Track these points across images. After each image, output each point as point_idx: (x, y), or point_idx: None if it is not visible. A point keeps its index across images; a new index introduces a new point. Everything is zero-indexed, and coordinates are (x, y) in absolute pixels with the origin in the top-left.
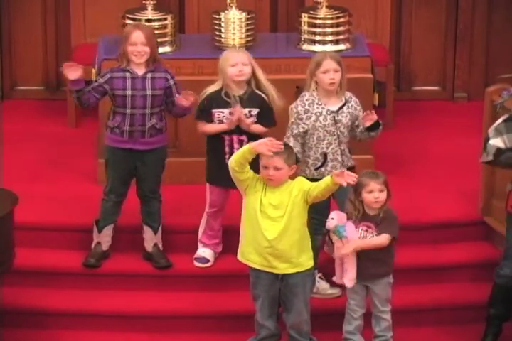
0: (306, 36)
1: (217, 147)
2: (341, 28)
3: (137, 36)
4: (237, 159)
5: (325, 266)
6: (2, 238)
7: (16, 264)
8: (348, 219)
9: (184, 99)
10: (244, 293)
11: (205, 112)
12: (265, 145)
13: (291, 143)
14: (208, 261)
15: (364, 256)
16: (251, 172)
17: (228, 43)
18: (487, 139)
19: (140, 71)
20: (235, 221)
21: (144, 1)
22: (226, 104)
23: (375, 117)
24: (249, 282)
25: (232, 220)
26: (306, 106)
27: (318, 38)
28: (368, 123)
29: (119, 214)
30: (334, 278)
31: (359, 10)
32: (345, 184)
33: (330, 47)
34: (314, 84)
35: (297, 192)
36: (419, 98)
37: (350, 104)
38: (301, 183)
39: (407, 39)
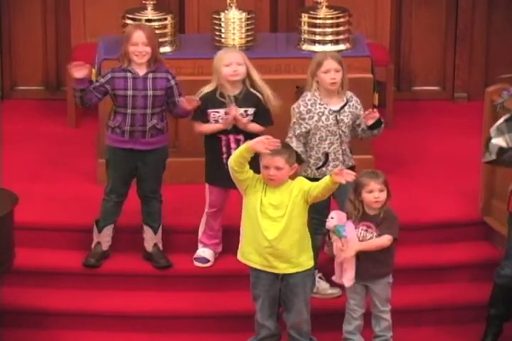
0: (306, 36)
1: (214, 147)
2: (341, 28)
3: (138, 36)
4: (235, 159)
5: (325, 266)
6: (2, 238)
7: (16, 264)
8: (347, 218)
9: (187, 104)
10: (244, 293)
11: (200, 112)
12: (262, 143)
13: (294, 144)
14: (208, 261)
15: (364, 257)
16: (251, 172)
17: (228, 43)
18: (489, 139)
19: (141, 71)
20: (235, 221)
21: (144, 1)
22: (221, 104)
23: (377, 115)
24: (249, 282)
25: (232, 220)
26: (309, 106)
27: (318, 38)
28: (371, 122)
29: (120, 214)
30: (334, 278)
31: (359, 10)
32: (344, 182)
33: (330, 47)
34: (315, 84)
35: (297, 192)
36: (419, 98)
37: (351, 104)
38: (302, 183)
39: (407, 39)
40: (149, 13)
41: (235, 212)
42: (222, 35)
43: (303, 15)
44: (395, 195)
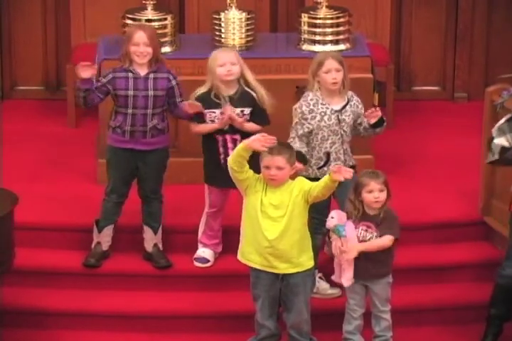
0: (306, 36)
1: (211, 147)
2: (341, 28)
3: (140, 36)
4: (234, 158)
5: (325, 266)
6: (2, 238)
7: (16, 264)
8: (348, 218)
9: (190, 108)
10: (244, 293)
11: (197, 113)
12: (259, 141)
13: (297, 144)
14: (208, 261)
15: (364, 257)
16: (250, 172)
17: (228, 43)
18: (491, 139)
19: (142, 71)
20: (235, 221)
21: (144, 1)
22: (217, 105)
23: (379, 114)
24: (249, 282)
25: (232, 220)
26: (311, 106)
27: (318, 38)
28: (373, 120)
29: (120, 215)
30: (333, 277)
31: (359, 10)
32: (342, 179)
33: (330, 48)
34: (317, 84)
35: (298, 192)
36: (419, 98)
37: (352, 103)
38: (302, 183)
39: (407, 39)
40: (149, 13)
41: (234, 212)
42: (222, 35)
43: (303, 15)
44: (395, 195)
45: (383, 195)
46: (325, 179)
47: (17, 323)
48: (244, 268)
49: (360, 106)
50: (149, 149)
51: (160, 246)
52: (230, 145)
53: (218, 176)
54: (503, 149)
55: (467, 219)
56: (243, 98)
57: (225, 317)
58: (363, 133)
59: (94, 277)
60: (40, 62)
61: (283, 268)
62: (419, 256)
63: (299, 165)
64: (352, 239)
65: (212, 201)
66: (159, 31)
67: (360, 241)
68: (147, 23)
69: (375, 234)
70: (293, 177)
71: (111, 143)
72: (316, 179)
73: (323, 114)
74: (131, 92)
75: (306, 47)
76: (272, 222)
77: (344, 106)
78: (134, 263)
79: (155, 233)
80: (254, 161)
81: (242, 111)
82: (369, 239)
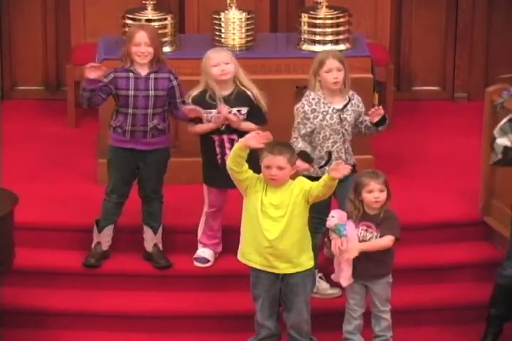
0: (306, 36)
1: (208, 148)
2: (341, 28)
3: (141, 37)
4: (232, 158)
5: (325, 266)
6: (2, 238)
7: (16, 264)
8: (348, 218)
9: (190, 113)
10: (244, 293)
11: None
12: (254, 138)
13: (300, 144)
14: (208, 261)
15: (364, 257)
16: (250, 172)
17: (228, 43)
18: (493, 140)
19: (143, 71)
20: (235, 221)
21: (144, 1)
22: (212, 106)
23: (382, 112)
24: (249, 282)
25: (231, 220)
26: (313, 106)
27: (318, 38)
28: (376, 119)
29: (120, 215)
30: (332, 276)
31: (359, 10)
32: (341, 176)
33: (330, 48)
34: (318, 83)
35: (298, 192)
36: (419, 98)
37: (353, 102)
38: (302, 183)
39: (407, 39)
40: (149, 13)
41: (234, 212)
42: (222, 35)
43: (303, 15)
44: (395, 195)
45: (383, 195)
46: (324, 178)
47: (17, 323)
48: (244, 268)
49: (360, 104)
50: (150, 149)
51: (160, 246)
52: (227, 145)
53: (217, 176)
54: (506, 149)
55: (467, 219)
56: (239, 97)
57: (225, 317)
58: (365, 131)
59: (94, 277)
60: (40, 62)
61: (283, 268)
62: (419, 256)
63: (304, 165)
64: (353, 238)
65: (212, 201)
66: (159, 31)
67: (361, 241)
68: (147, 23)
69: (375, 233)
70: (293, 177)
71: (112, 142)
72: (317, 178)
73: (325, 113)
74: (131, 92)
75: (306, 47)
76: (273, 222)
77: (345, 105)
78: (134, 263)
79: (155, 233)
80: (255, 162)
81: (239, 111)
82: (369, 239)
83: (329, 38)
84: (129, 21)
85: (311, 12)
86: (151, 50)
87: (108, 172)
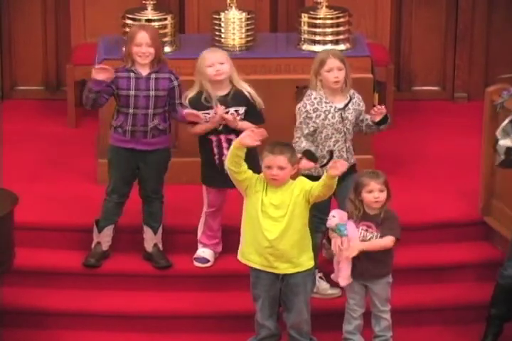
0: (306, 36)
1: (206, 148)
2: (341, 28)
3: (142, 37)
4: (230, 159)
5: (325, 265)
6: (2, 238)
7: (16, 264)
8: (348, 218)
9: (189, 117)
10: (244, 293)
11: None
12: (249, 136)
13: (304, 143)
14: (208, 261)
15: (364, 257)
16: (249, 172)
17: (228, 43)
18: (496, 141)
19: (144, 71)
20: (235, 221)
21: (144, 1)
22: (208, 108)
23: (384, 111)
24: (249, 282)
25: (231, 220)
26: (315, 105)
27: (318, 38)
28: (378, 118)
29: (121, 215)
30: (332, 276)
31: (359, 10)
32: (339, 173)
33: (330, 48)
34: (319, 82)
35: (299, 192)
36: (419, 98)
37: (354, 101)
38: (303, 183)
39: (407, 39)
40: (149, 13)
41: (234, 212)
42: (222, 35)
43: (303, 15)
44: (395, 195)
45: (383, 195)
46: (323, 177)
47: (17, 323)
48: (244, 268)
49: (361, 103)
50: (150, 149)
51: (160, 246)
52: (224, 145)
53: (215, 176)
54: (508, 150)
55: (467, 219)
56: (236, 97)
57: (225, 317)
58: (366, 130)
59: (94, 277)
60: (40, 62)
61: (283, 268)
62: (419, 256)
63: (309, 164)
64: (354, 238)
65: (211, 201)
66: (159, 31)
67: (361, 241)
68: (148, 24)
69: (375, 234)
70: (294, 176)
71: (112, 142)
72: (318, 177)
73: (327, 112)
74: (132, 92)
75: (306, 47)
76: (273, 222)
77: (347, 104)
78: (134, 263)
79: (155, 233)
80: (252, 160)
81: (236, 111)
82: (369, 239)
83: (329, 38)
84: (129, 21)
85: (311, 12)
86: (152, 50)
87: (108, 172)
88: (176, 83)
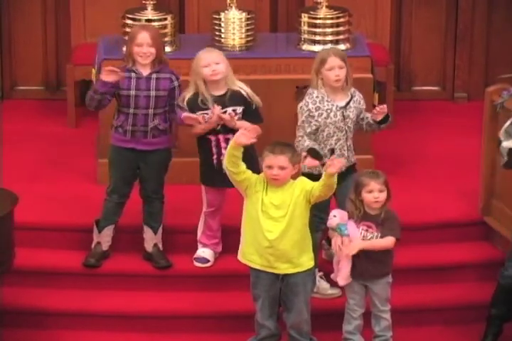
0: (306, 36)
1: (205, 148)
2: (341, 28)
3: (143, 37)
4: (227, 159)
5: (326, 265)
6: (2, 238)
7: (16, 264)
8: (349, 218)
9: (187, 120)
10: (244, 293)
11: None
12: (243, 135)
13: (307, 142)
14: (208, 261)
15: (364, 257)
16: (248, 172)
17: (228, 43)
18: (499, 143)
19: (145, 71)
20: (235, 221)
21: (144, 1)
22: (205, 109)
23: (386, 111)
24: (249, 282)
25: (231, 220)
26: (317, 104)
27: (318, 38)
28: (380, 117)
29: (121, 215)
30: (332, 276)
31: (359, 10)
32: (337, 170)
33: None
34: (320, 81)
35: (299, 192)
36: (419, 98)
37: (355, 99)
38: (304, 183)
39: (407, 39)
40: (149, 13)
41: (234, 212)
42: (222, 35)
43: (303, 15)
44: (395, 195)
45: (383, 195)
46: (323, 177)
47: (17, 323)
48: (244, 268)
49: (362, 101)
50: (150, 149)
51: (160, 246)
52: (223, 145)
53: (214, 176)
54: (511, 151)
55: (467, 219)
56: (233, 97)
57: (225, 317)
58: (366, 128)
59: (94, 277)
60: (40, 62)
61: (283, 268)
62: (419, 256)
63: (314, 162)
64: (355, 238)
65: (210, 201)
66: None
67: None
68: (149, 24)
69: (375, 234)
70: (295, 176)
71: (113, 142)
72: (320, 175)
73: (329, 110)
74: (133, 92)
75: (306, 47)
76: (273, 222)
77: (348, 103)
78: (134, 263)
79: (155, 233)
80: (251, 159)
81: (234, 110)
82: (369, 239)
83: (329, 38)
84: (129, 21)
85: (311, 12)
86: (153, 50)
87: (109, 172)
88: (176, 83)
